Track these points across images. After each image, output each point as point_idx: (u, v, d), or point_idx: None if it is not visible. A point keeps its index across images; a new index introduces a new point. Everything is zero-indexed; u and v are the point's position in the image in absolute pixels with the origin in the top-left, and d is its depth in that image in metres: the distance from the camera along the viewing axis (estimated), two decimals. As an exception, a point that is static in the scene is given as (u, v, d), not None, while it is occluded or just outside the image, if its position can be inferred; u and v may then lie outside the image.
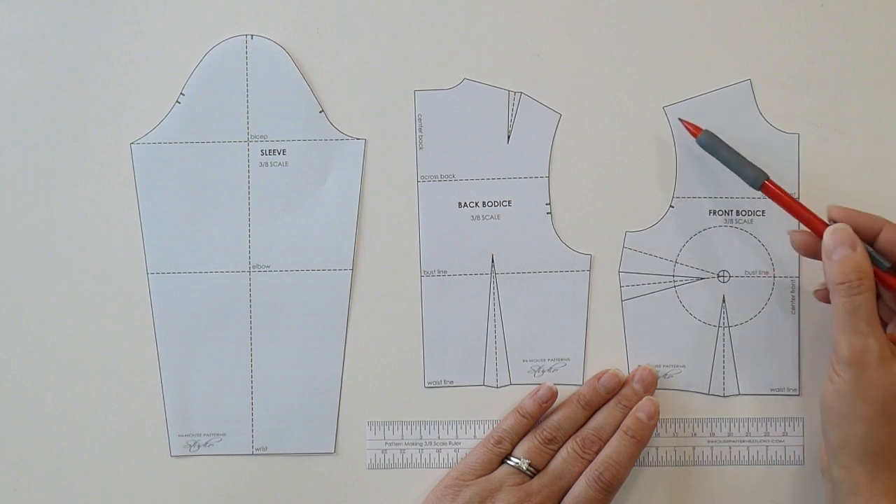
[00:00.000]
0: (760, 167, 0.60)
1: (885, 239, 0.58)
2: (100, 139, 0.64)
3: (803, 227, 0.60)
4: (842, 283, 0.56)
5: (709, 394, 0.64)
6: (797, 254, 0.63)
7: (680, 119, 0.62)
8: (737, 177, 0.62)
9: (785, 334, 0.63)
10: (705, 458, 0.64)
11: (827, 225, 0.58)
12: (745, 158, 0.60)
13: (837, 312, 0.56)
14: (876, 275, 0.57)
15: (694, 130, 0.61)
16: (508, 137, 0.64)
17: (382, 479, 0.64)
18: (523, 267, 0.64)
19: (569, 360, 0.64)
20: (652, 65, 0.64)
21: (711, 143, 0.61)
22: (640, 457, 0.62)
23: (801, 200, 0.63)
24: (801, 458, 0.63)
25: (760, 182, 0.60)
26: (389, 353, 0.64)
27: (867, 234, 0.58)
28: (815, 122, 0.63)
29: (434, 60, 0.64)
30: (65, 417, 0.64)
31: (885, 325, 0.59)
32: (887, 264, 0.58)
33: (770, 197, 0.60)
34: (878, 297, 0.59)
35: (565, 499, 0.60)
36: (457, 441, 0.64)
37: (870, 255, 0.57)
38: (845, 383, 0.55)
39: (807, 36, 0.63)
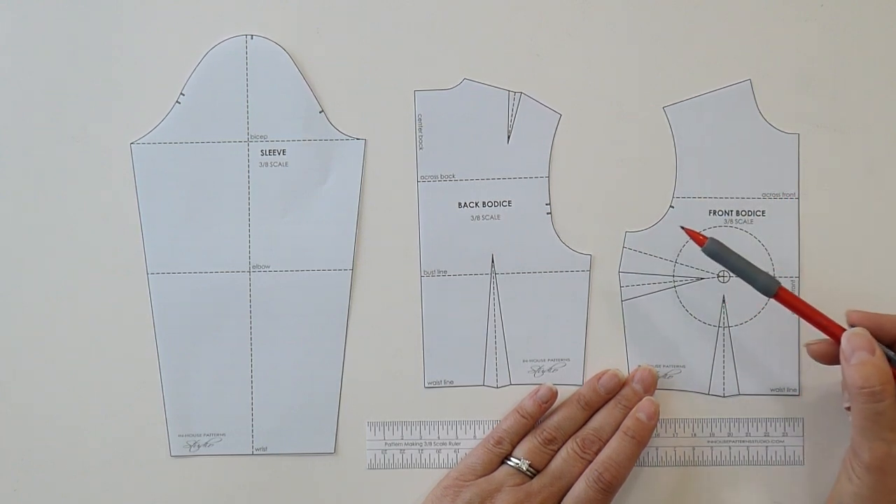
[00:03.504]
0: (770, 273, 0.59)
1: None
2: (100, 139, 0.64)
3: (820, 336, 0.59)
4: (863, 389, 0.54)
5: (709, 394, 0.64)
6: (797, 254, 0.63)
7: (682, 227, 0.60)
8: (737, 177, 0.62)
9: (785, 334, 0.63)
10: (705, 458, 0.64)
11: (843, 329, 0.57)
12: (754, 265, 0.58)
13: (859, 418, 0.55)
14: None
15: (699, 239, 0.59)
16: (508, 137, 0.64)
17: (382, 479, 0.64)
18: (523, 267, 0.64)
19: (569, 360, 0.64)
20: (652, 65, 0.64)
21: (718, 251, 0.58)
22: (640, 457, 0.62)
23: (801, 201, 0.63)
24: (801, 458, 0.63)
25: (774, 289, 0.58)
26: (389, 353, 0.64)
27: (888, 337, 0.57)
28: (815, 122, 0.63)
29: (434, 60, 0.64)
30: (65, 418, 0.64)
31: None
32: None
33: (784, 304, 0.58)
34: None
35: (565, 499, 0.60)
36: (457, 441, 0.64)
37: (891, 358, 0.56)
38: (865, 487, 0.55)
39: (807, 36, 0.63)
